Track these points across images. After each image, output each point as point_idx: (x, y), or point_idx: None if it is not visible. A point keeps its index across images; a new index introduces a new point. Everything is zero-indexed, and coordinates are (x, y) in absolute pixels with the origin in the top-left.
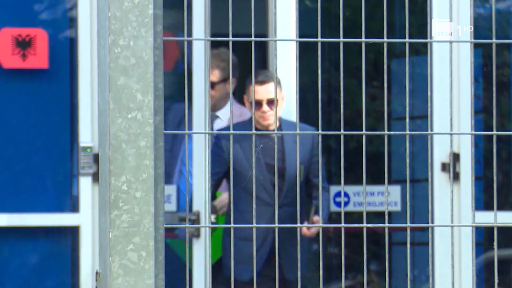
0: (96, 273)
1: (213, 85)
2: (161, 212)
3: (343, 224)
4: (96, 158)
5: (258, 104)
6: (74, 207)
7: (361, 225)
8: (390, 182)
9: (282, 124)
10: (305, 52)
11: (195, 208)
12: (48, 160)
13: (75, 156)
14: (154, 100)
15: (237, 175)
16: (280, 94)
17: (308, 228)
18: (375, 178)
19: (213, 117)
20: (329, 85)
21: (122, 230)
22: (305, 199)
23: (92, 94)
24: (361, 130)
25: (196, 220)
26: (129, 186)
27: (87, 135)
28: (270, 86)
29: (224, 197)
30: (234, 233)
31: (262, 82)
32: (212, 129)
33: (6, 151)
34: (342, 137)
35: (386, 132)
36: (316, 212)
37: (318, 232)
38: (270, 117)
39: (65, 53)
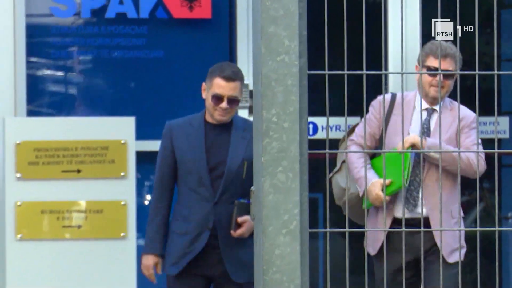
0: (251, 191)
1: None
2: (305, 140)
3: (458, 149)
4: (251, 94)
5: (220, 99)
6: None
7: (473, 150)
8: (500, 114)
9: (234, 119)
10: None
11: None
12: None
13: None
14: (299, 45)
15: (184, 170)
16: (241, 95)
17: (235, 229)
18: (487, 110)
19: (429, 111)
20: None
21: (273, 155)
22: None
23: (248, 40)
24: (475, 70)
25: None
26: (278, 118)
27: (244, 74)
28: (235, 84)
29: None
30: (173, 227)
31: (228, 79)
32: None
33: (176, 92)
34: (458, 76)
35: (496, 72)
36: (242, 213)
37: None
38: (227, 114)
39: (225, 5)
